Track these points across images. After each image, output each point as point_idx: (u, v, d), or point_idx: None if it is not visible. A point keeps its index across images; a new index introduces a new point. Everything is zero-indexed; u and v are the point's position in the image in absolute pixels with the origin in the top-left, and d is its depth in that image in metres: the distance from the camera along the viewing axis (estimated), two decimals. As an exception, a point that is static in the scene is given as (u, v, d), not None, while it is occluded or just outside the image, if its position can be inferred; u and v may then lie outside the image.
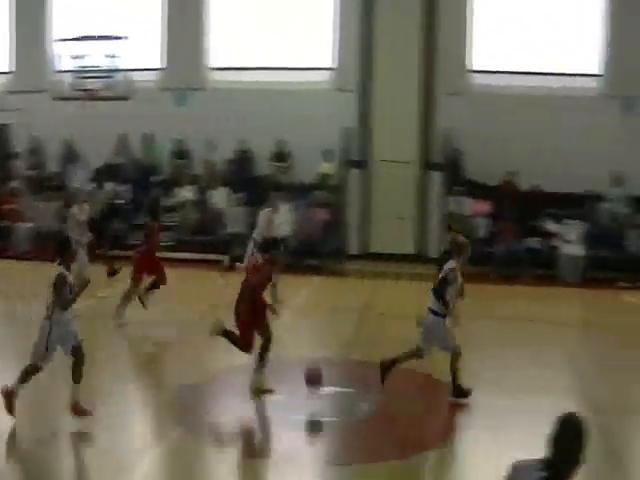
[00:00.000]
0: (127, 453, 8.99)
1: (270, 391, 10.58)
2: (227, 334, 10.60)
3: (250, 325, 10.48)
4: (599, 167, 19.31)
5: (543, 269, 18.95)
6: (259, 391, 10.54)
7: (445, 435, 9.97)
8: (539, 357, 12.62)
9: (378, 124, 20.37)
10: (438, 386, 11.31)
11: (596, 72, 20.95)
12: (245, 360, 10.78)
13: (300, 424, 9.89)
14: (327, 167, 20.52)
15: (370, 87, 20.52)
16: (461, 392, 10.47)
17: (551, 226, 19.32)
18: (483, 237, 19.24)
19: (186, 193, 20.84)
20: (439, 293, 10.39)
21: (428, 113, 20.47)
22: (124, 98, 20.29)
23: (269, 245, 11.29)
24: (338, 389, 10.96)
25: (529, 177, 19.68)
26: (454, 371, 10.46)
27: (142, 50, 21.55)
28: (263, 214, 15.75)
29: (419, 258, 19.60)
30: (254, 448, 9.64)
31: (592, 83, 20.92)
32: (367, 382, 11.05)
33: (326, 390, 10.54)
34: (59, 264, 9.31)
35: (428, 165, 20.29)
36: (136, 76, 20.89)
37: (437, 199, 20.11)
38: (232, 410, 10.43)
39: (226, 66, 22.12)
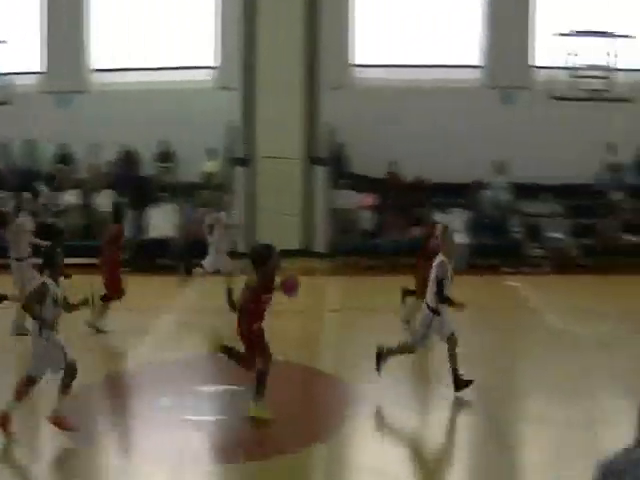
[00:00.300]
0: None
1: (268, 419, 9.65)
2: (228, 350, 9.86)
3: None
4: (482, 156, 19.59)
5: (428, 259, 19.00)
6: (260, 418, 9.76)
7: (333, 427, 9.88)
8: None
9: (262, 121, 20.21)
10: (325, 379, 11.26)
11: (477, 63, 21.19)
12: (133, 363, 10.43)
13: (188, 424, 9.68)
14: (211, 166, 20.31)
15: (253, 84, 20.36)
16: (461, 383, 10.42)
17: (435, 216, 19.41)
18: (369, 230, 19.22)
19: (70, 197, 20.37)
20: (438, 291, 10.32)
21: (312, 108, 20.42)
22: (4, 103, 19.78)
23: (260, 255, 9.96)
24: (225, 387, 10.83)
25: (413, 169, 19.78)
26: (454, 365, 10.42)
27: (22, 53, 21.03)
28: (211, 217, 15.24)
29: (305, 253, 19.55)
30: (142, 450, 9.28)
31: (473, 74, 21.18)
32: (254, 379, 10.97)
33: (213, 389, 10.48)
34: (48, 276, 8.89)
35: (312, 160, 20.23)
36: (16, 80, 20.38)
37: (322, 194, 20.04)
38: (119, 412, 10.12)
39: (108, 68, 21.70)
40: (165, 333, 13.32)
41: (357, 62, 21.27)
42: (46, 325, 8.69)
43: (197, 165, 20.38)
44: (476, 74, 21.15)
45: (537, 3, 20.97)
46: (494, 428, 10.00)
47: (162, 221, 19.41)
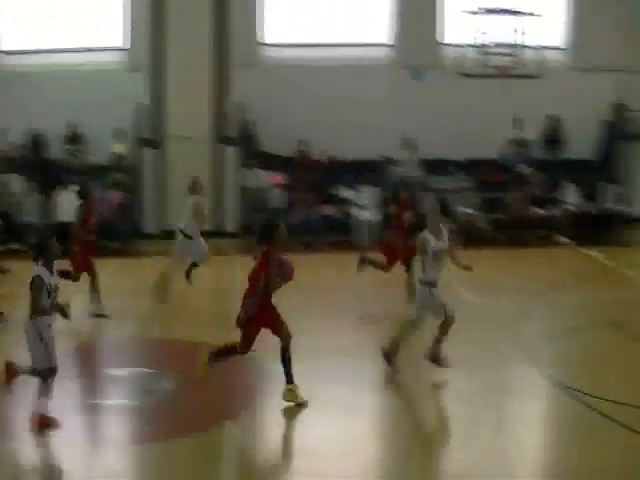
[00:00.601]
0: None
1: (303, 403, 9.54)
2: (217, 355, 9.61)
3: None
4: (392, 133, 19.67)
5: (339, 236, 19.11)
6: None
7: (244, 405, 9.85)
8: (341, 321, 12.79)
9: (171, 101, 20.00)
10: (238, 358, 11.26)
11: (387, 42, 21.31)
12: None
13: (100, 407, 9.59)
14: (120, 147, 20.11)
15: (163, 64, 20.09)
16: (436, 360, 10.44)
17: (345, 193, 19.52)
18: (280, 208, 19.21)
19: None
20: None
21: (221, 88, 20.25)
22: None
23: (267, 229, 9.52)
24: (138, 369, 10.73)
25: (324, 146, 19.85)
26: (439, 338, 10.39)
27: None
28: (189, 201, 14.52)
29: (215, 234, 19.45)
30: (55, 435, 8.77)
31: (383, 52, 21.28)
32: (167, 360, 11.01)
33: (124, 371, 10.40)
34: (41, 264, 8.56)
35: (222, 140, 20.10)
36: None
37: (232, 174, 19.97)
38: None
39: (16, 49, 21.34)
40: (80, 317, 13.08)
41: (267, 41, 21.19)
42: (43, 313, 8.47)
43: (106, 147, 20.15)
44: (386, 52, 21.25)
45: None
46: (406, 400, 10.16)
47: (70, 204, 19.10)
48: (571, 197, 20.41)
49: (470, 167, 20.62)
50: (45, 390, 8.58)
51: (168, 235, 18.93)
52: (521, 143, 21.17)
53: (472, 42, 19.85)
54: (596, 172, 21.38)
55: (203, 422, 9.11)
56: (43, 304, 8.44)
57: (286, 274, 9.43)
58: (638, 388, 10.32)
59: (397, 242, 13.96)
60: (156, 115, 20.12)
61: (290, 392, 9.47)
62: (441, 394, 10.58)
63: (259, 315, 9.31)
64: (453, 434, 9.40)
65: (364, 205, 19.12)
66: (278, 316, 9.47)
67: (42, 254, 8.56)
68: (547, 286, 15.46)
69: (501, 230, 19.79)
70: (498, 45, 19.82)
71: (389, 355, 10.53)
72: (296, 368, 9.53)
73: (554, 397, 10.42)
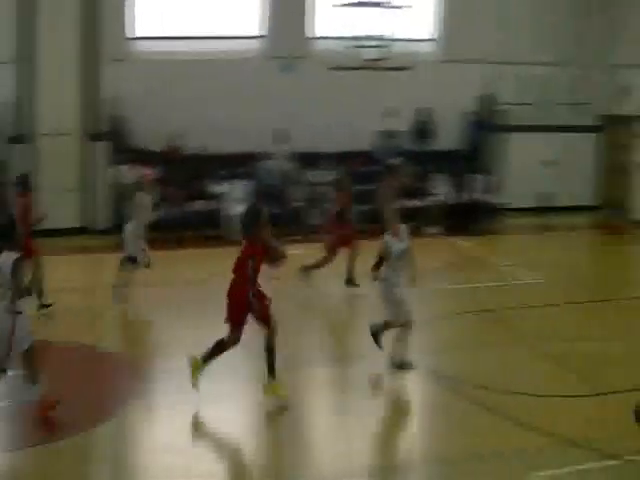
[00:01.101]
0: None
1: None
2: (209, 356, 9.56)
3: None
4: (264, 126, 19.64)
5: (210, 230, 19.00)
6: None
7: (120, 405, 9.60)
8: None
9: (40, 97, 19.41)
10: (111, 357, 11.03)
11: (257, 34, 21.28)
12: None
13: None
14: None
15: (30, 59, 19.52)
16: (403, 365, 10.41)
17: (217, 187, 19.40)
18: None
19: None
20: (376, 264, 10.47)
21: (91, 82, 19.77)
22: None
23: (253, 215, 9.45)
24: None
25: (196, 140, 19.67)
26: (399, 342, 10.43)
27: None
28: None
29: (86, 230, 19.15)
30: None
31: (254, 45, 21.24)
32: (39, 362, 10.53)
33: None
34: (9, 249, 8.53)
35: (92, 135, 19.70)
36: None
37: (102, 169, 19.61)
38: None
39: None
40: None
41: (138, 35, 20.83)
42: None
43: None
44: (257, 45, 21.21)
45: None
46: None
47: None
48: (441, 188, 20.80)
49: (342, 159, 20.73)
50: None
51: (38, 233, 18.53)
52: (392, 135, 21.48)
53: (342, 34, 19.92)
54: (465, 163, 21.91)
55: (78, 423, 8.90)
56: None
57: (278, 258, 9.43)
58: (507, 373, 10.64)
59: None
60: (24, 110, 19.53)
61: (273, 387, 9.46)
62: (312, 385, 10.63)
63: (246, 304, 9.25)
64: (329, 425, 9.44)
65: (236, 199, 18.97)
66: (267, 305, 9.42)
67: (10, 240, 8.73)
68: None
69: (371, 222, 19.89)
70: (368, 38, 19.92)
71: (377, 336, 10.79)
72: (167, 365, 9.45)
73: (426, 385, 10.62)
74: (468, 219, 20.75)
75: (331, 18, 20.52)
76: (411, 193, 20.36)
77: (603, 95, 23.59)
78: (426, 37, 22.65)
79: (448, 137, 22.22)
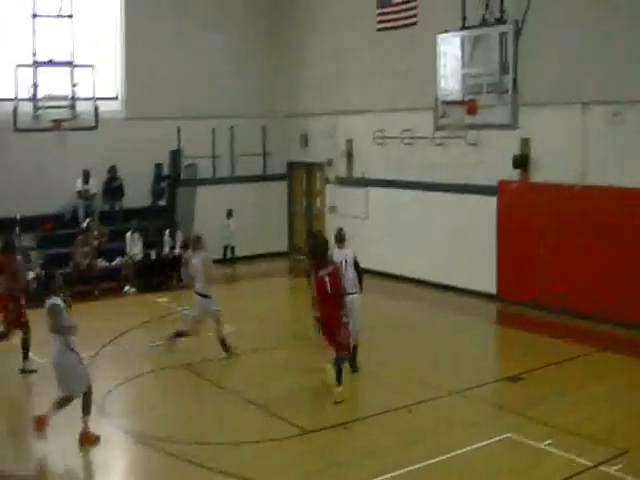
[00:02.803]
0: None
1: None
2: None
3: None
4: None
5: None
6: None
7: None
8: None
9: None
10: None
11: None
12: None
13: None
14: None
15: None
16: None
17: None
18: None
19: None
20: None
21: None
22: None
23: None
24: None
25: None
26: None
27: None
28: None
29: None
30: None
31: None
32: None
33: None
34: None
35: None
36: None
37: None
38: None
39: None
40: None
41: None
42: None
43: None
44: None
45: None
46: None
47: None
48: (135, 246, 20.89)
49: (34, 223, 20.37)
50: None
51: None
52: (85, 195, 21.40)
53: (26, 96, 19.60)
54: (158, 218, 22.17)
55: None
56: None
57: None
58: (198, 425, 11.00)
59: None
60: None
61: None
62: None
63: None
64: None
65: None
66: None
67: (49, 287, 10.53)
68: (117, 335, 15.77)
69: (68, 285, 19.56)
70: (52, 98, 19.76)
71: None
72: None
73: (128, 446, 10.73)
74: (161, 275, 21.00)
75: (14, 78, 19.96)
76: (104, 253, 20.40)
77: (287, 144, 24.98)
78: (111, 95, 22.76)
79: (138, 194, 22.46)
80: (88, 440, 10.36)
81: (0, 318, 13.79)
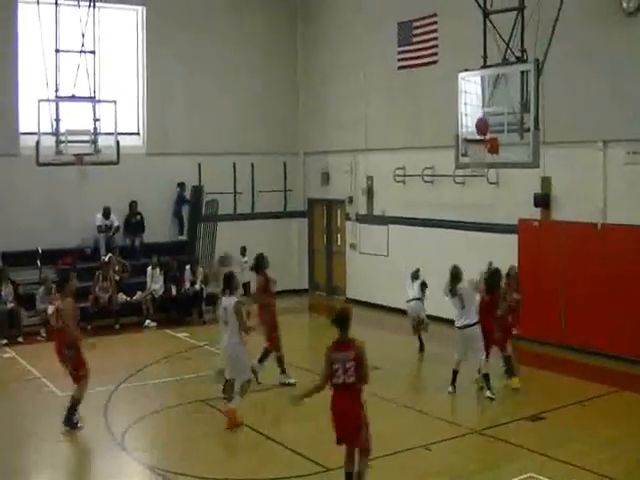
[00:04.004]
0: None
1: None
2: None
3: None
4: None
5: None
6: None
7: None
8: None
9: None
10: None
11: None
12: None
13: None
14: None
15: None
16: None
17: None
18: None
19: None
20: None
21: None
22: None
23: None
24: None
25: None
26: None
27: None
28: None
29: None
30: None
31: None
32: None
33: None
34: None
35: None
36: None
37: None
38: None
39: None
40: None
41: None
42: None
43: None
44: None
45: (19, 69, 21.02)
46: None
47: None
48: (156, 281, 20.97)
49: (54, 256, 20.52)
50: None
51: None
52: (106, 230, 21.55)
53: (49, 130, 19.75)
54: (178, 254, 22.27)
55: None
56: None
57: None
58: (218, 461, 11.07)
59: None
60: None
61: None
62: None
63: None
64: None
65: None
66: None
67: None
68: (138, 370, 15.78)
69: (86, 319, 19.70)
70: (74, 132, 19.91)
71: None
72: None
73: (146, 480, 10.74)
74: (183, 310, 21.07)
75: (37, 113, 20.14)
76: (124, 288, 20.49)
77: (307, 181, 25.12)
78: (132, 130, 22.96)
79: (158, 230, 22.59)
80: (234, 423, 12.08)
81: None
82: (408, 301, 16.93)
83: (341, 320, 9.18)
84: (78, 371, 12.12)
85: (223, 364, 12.67)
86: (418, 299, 16.79)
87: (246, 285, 21.98)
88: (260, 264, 14.82)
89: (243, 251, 22.34)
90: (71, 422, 12.05)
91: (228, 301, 12.23)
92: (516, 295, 14.49)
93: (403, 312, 17.97)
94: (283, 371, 14.59)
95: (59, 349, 12.21)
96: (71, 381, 12.41)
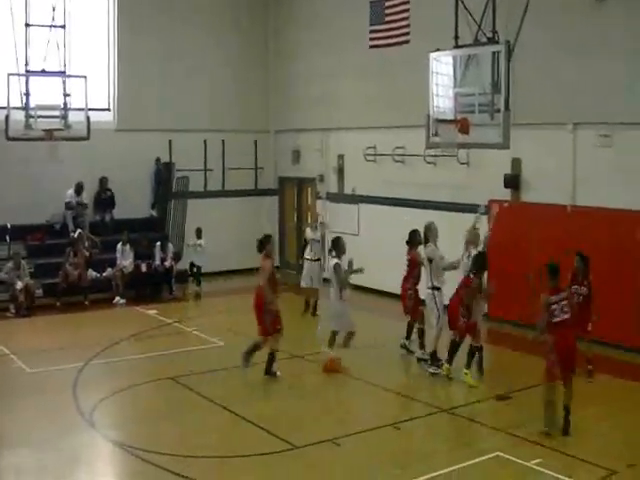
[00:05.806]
0: None
1: None
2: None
3: None
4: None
5: None
6: None
7: None
8: None
9: None
10: None
11: None
12: None
13: None
14: None
15: None
16: None
17: None
18: None
19: None
20: None
21: None
22: None
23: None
24: None
25: None
26: None
27: None
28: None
29: None
30: None
31: None
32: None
33: None
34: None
35: None
36: None
37: None
38: None
39: None
40: None
41: None
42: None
43: None
44: None
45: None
46: None
47: None
48: (126, 257, 20.89)
49: (23, 232, 20.40)
50: None
51: None
52: (76, 206, 21.41)
53: (18, 105, 19.53)
54: (149, 230, 22.19)
55: None
56: None
57: None
58: (186, 438, 11.03)
59: None
60: None
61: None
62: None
63: None
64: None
65: None
66: None
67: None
68: (107, 347, 15.76)
69: (55, 295, 19.65)
70: (44, 107, 19.70)
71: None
72: None
73: (117, 458, 10.72)
74: (153, 287, 21.02)
75: (5, 87, 19.91)
76: (94, 264, 20.40)
77: (278, 159, 25.09)
78: (102, 106, 22.78)
79: (128, 206, 22.48)
80: (334, 368, 13.70)
81: None
82: None
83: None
84: (275, 325, 13.61)
85: (327, 317, 14.54)
86: None
87: (196, 267, 21.94)
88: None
89: (199, 233, 22.05)
90: (271, 371, 13.67)
91: (331, 262, 13.90)
92: (583, 289, 13.35)
93: (371, 290, 18.01)
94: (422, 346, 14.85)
95: (259, 304, 13.70)
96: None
